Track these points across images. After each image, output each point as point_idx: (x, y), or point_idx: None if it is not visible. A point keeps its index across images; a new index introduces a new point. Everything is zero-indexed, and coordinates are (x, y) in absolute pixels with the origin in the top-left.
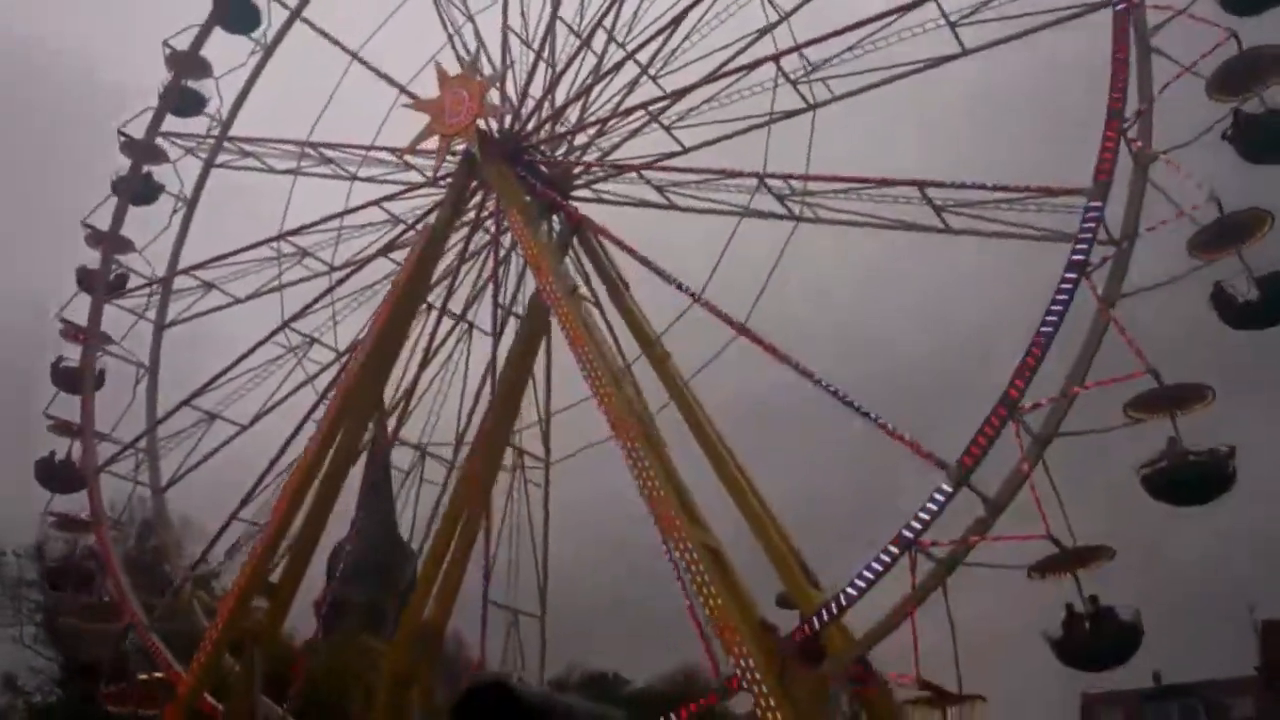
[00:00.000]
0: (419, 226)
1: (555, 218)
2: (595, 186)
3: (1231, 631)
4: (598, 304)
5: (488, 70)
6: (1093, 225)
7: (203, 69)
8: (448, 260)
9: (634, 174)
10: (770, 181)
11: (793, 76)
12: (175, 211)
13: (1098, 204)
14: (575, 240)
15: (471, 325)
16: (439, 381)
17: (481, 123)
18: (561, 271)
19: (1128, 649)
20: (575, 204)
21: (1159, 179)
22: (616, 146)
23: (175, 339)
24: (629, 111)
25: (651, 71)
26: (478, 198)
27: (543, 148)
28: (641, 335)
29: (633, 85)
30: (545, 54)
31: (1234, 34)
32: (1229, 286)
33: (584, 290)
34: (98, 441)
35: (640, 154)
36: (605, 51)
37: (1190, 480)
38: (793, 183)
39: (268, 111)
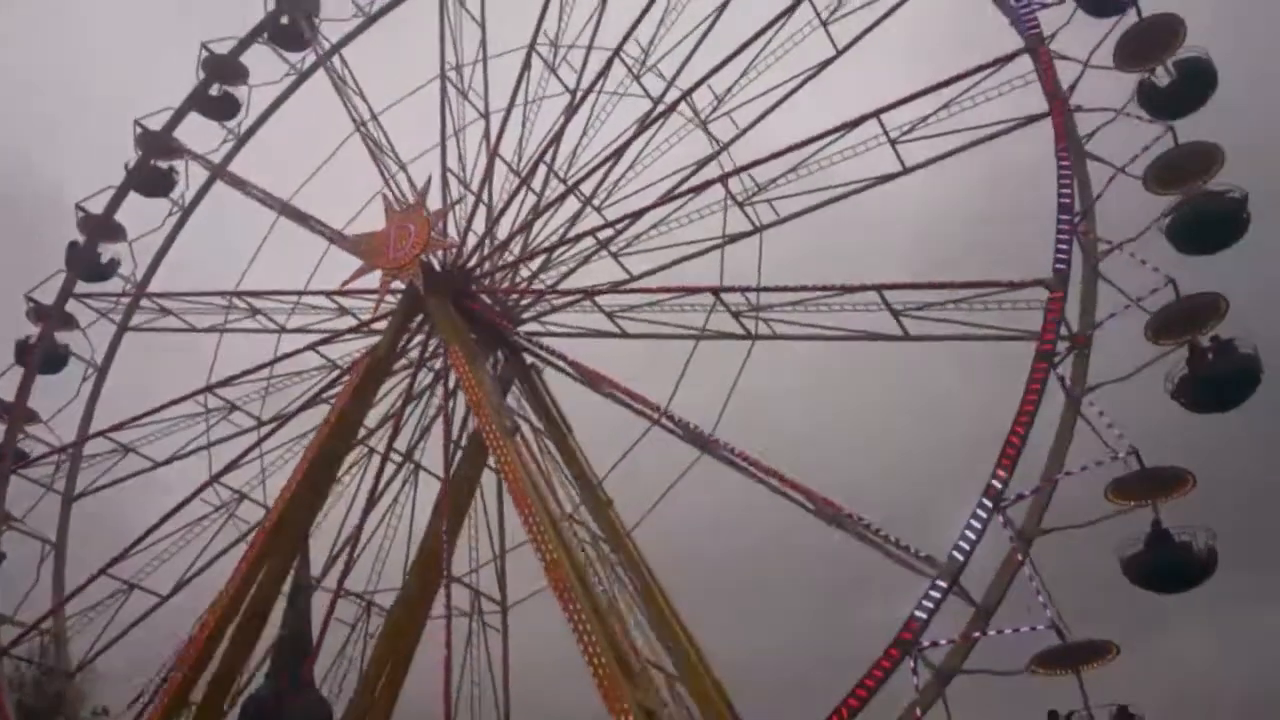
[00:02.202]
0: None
1: (500, 354)
2: (544, 319)
3: None
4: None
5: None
6: (1057, 315)
7: (117, 232)
8: (390, 403)
9: (582, 305)
10: (726, 297)
11: (737, 307)
12: (85, 379)
13: (1060, 294)
14: (519, 380)
15: (418, 466)
16: (385, 527)
17: (425, 256)
18: (502, 411)
19: (1250, 379)
20: (523, 338)
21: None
22: (565, 276)
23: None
24: (575, 239)
25: (595, 202)
26: (420, 336)
27: (487, 281)
28: (584, 479)
29: (576, 217)
30: (485, 194)
31: (1135, 451)
32: (1149, 76)
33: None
34: None
35: (583, 320)
36: (546, 186)
37: (1207, 221)
38: (749, 297)
39: (193, 265)
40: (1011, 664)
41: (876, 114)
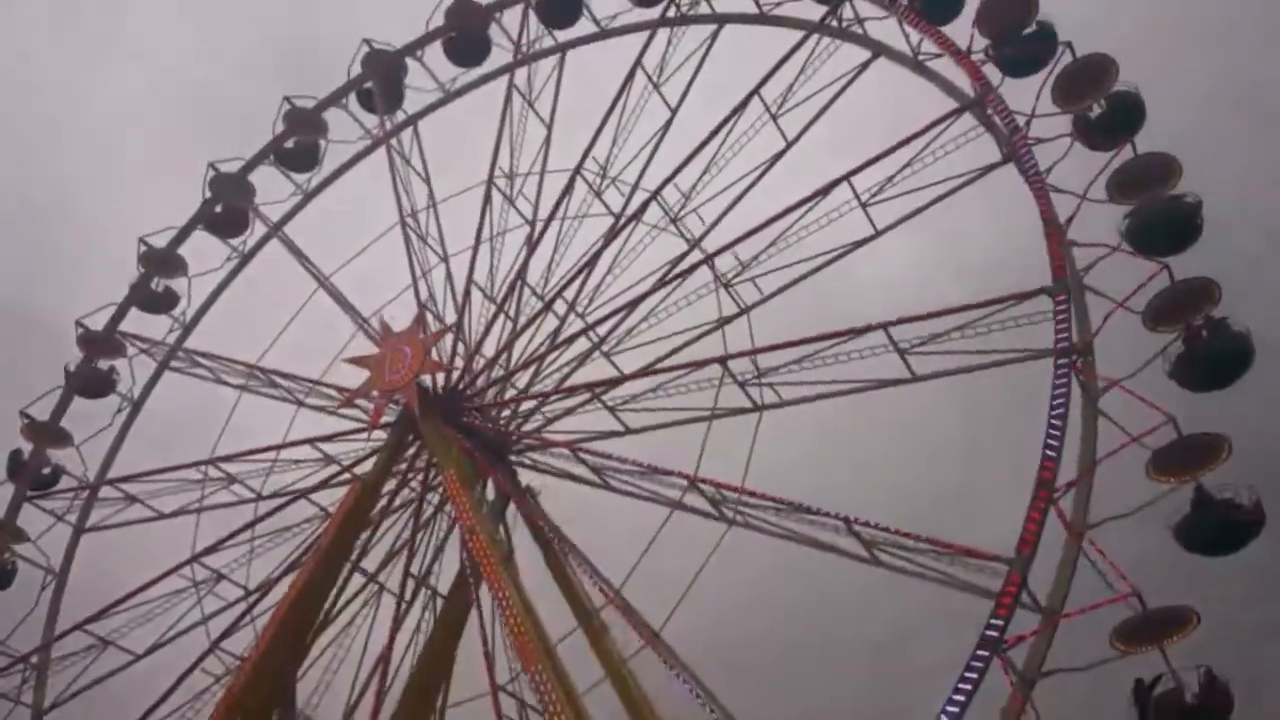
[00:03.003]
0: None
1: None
2: (533, 455)
3: None
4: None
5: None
6: (1010, 602)
7: (63, 438)
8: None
9: (579, 412)
10: (731, 366)
11: (741, 378)
12: (45, 587)
13: (1018, 578)
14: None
15: (382, 587)
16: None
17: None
18: (496, 537)
19: (1243, 357)
20: (522, 450)
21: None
22: (559, 417)
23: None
24: (565, 342)
25: (605, 348)
26: (412, 450)
27: (484, 408)
28: (579, 606)
29: (584, 358)
30: (465, 320)
31: (1173, 419)
32: (1084, 111)
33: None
34: None
35: (584, 425)
36: (524, 305)
37: (1165, 224)
38: (756, 361)
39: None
40: (1088, 656)
41: (846, 177)
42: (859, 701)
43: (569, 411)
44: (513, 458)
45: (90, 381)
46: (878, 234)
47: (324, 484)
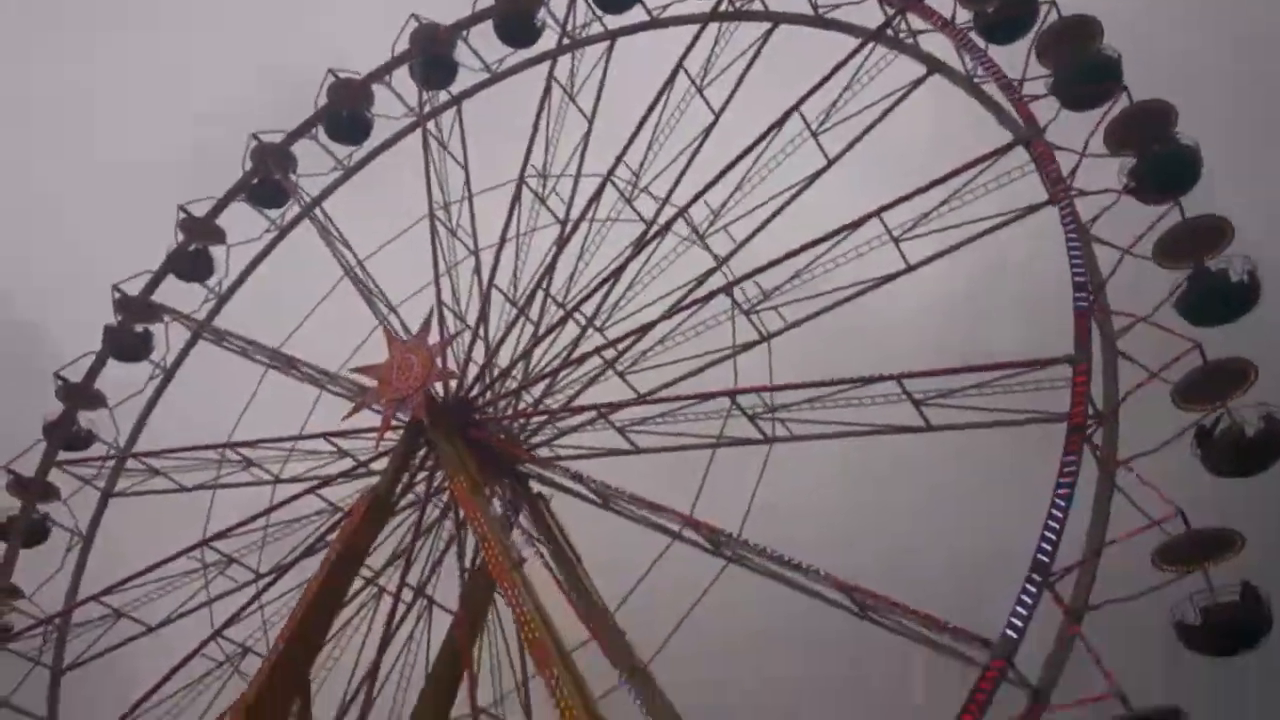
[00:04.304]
0: (368, 467)
1: (507, 483)
2: (553, 444)
3: None
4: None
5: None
6: (1083, 391)
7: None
8: (398, 539)
9: (591, 427)
10: (742, 400)
11: (753, 410)
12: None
13: (1085, 367)
14: (528, 509)
15: (431, 601)
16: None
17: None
18: (508, 543)
19: (1244, 297)
20: (531, 463)
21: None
22: (571, 400)
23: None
24: (579, 360)
25: (596, 324)
26: (424, 471)
27: (491, 410)
28: (594, 609)
29: (578, 341)
30: (482, 326)
31: (1198, 345)
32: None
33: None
34: None
35: (594, 441)
36: (544, 313)
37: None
38: (765, 398)
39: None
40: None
41: (878, 213)
42: None
43: (578, 428)
44: (532, 453)
45: (74, 437)
46: (910, 268)
47: (343, 475)
